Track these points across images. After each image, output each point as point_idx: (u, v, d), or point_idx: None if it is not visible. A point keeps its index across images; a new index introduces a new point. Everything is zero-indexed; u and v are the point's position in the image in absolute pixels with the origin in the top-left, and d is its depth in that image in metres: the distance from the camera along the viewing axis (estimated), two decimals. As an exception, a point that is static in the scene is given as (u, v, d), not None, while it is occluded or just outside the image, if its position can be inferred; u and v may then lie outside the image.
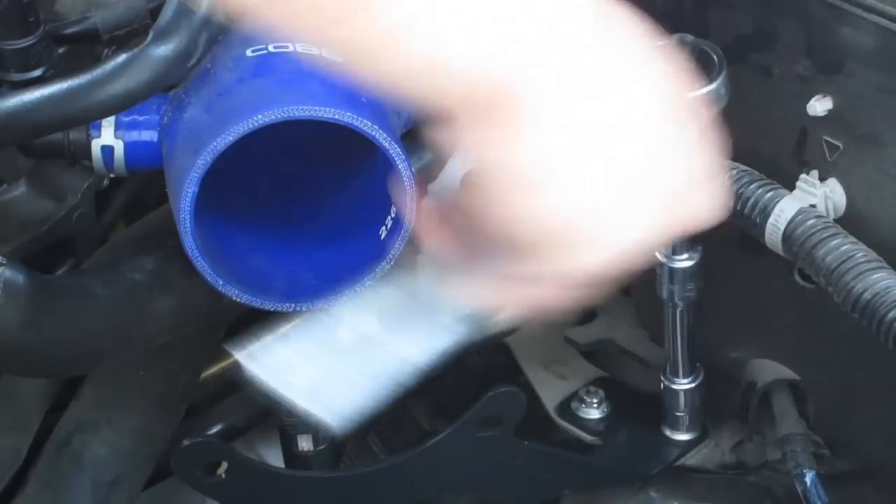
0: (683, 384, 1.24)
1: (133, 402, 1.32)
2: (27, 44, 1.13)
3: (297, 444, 1.21)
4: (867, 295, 0.96)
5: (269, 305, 1.17)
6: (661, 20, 1.11)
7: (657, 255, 1.15)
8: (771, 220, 1.03)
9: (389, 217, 1.17)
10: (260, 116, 1.08)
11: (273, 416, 1.43)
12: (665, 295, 1.18)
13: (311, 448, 1.21)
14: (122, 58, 1.10)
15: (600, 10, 0.77)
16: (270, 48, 1.18)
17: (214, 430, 1.47)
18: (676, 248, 1.15)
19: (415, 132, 1.36)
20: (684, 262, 1.16)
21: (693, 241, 1.15)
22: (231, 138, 1.08)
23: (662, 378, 1.23)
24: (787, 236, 1.03)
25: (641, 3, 0.88)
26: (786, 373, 1.19)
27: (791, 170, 1.07)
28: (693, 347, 1.22)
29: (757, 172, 1.08)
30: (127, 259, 1.24)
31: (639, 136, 0.76)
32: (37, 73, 1.14)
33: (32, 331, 1.15)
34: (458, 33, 0.74)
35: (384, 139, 1.11)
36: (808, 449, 1.19)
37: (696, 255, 1.15)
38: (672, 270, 1.16)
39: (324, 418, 0.80)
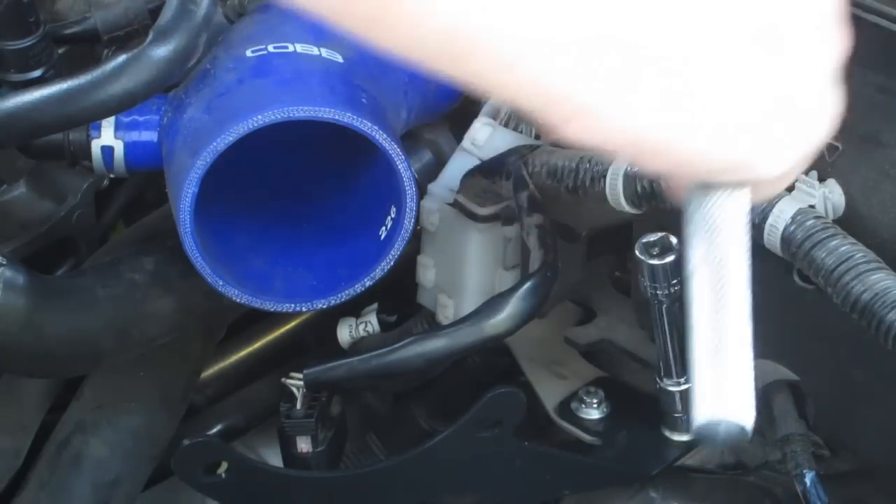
0: (679, 385, 1.23)
1: (133, 402, 1.32)
2: (27, 44, 1.13)
3: (296, 446, 1.21)
4: (866, 296, 0.96)
5: (269, 306, 1.17)
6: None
7: (636, 253, 1.13)
8: (770, 220, 1.03)
9: (389, 217, 1.17)
10: (260, 117, 1.09)
11: (273, 416, 1.43)
12: (648, 293, 1.16)
13: (310, 449, 1.21)
14: (121, 58, 1.10)
15: None
16: (270, 48, 1.18)
17: (214, 430, 1.48)
18: (655, 246, 1.13)
19: (415, 132, 1.36)
20: (665, 258, 1.13)
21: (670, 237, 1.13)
22: (231, 139, 1.08)
23: (657, 379, 1.23)
24: (786, 237, 1.02)
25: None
26: (785, 373, 1.18)
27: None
28: (684, 346, 1.21)
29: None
30: (127, 259, 1.24)
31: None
32: (37, 73, 1.14)
33: (32, 331, 1.15)
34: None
35: (384, 139, 1.11)
36: (808, 449, 1.18)
37: (675, 252, 1.13)
38: (652, 268, 1.14)
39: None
